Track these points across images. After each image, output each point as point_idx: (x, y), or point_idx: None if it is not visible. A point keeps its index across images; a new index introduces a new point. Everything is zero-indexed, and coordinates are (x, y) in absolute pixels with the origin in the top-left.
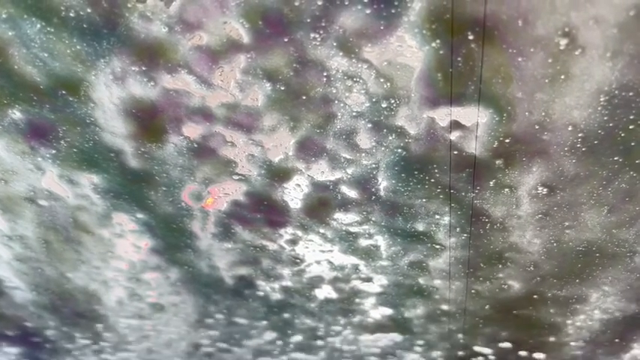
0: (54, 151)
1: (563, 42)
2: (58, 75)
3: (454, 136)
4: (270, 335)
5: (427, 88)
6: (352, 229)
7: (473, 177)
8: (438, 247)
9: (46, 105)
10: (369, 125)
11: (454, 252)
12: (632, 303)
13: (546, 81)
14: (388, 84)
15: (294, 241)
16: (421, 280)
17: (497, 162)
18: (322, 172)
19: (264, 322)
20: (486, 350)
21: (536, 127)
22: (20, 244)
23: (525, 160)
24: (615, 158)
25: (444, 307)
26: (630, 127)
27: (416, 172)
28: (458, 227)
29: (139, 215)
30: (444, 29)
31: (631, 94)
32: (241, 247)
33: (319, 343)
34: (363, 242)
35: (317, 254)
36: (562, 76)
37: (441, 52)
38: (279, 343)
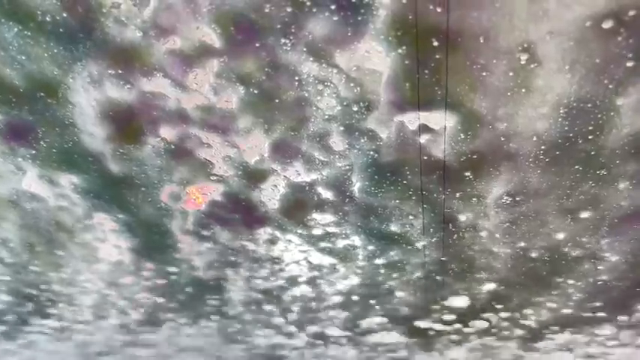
0: (34, 152)
1: (524, 57)
2: (36, 77)
3: (424, 139)
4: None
5: (395, 92)
6: (329, 229)
7: (443, 179)
8: (411, 247)
9: (25, 107)
10: (342, 128)
11: (427, 254)
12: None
13: (509, 94)
14: (358, 88)
15: (272, 241)
16: (396, 278)
17: (465, 173)
18: (298, 173)
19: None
20: None
21: (502, 138)
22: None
23: (492, 167)
24: (577, 167)
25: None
26: (589, 137)
27: (388, 174)
28: (430, 228)
29: (119, 215)
30: (408, 36)
31: (589, 105)
32: (219, 247)
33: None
34: (340, 242)
35: (294, 254)
36: (523, 89)
37: (407, 59)
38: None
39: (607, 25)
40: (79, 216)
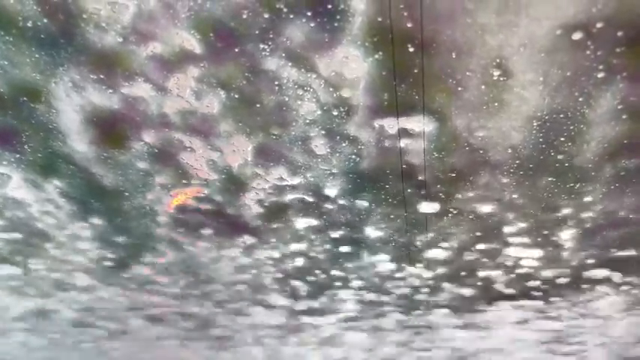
0: (18, 156)
1: (497, 70)
2: (19, 82)
3: (403, 143)
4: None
5: (374, 97)
6: (312, 233)
7: (425, 182)
8: (392, 245)
9: (8, 111)
10: (323, 132)
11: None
12: None
13: (484, 107)
14: (337, 93)
15: (255, 245)
16: (377, 279)
17: (442, 181)
18: (281, 177)
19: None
20: None
21: (481, 151)
22: None
23: (468, 176)
24: (550, 179)
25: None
26: (562, 148)
27: (369, 178)
28: (412, 230)
29: (102, 218)
30: (384, 44)
31: (561, 116)
32: (202, 251)
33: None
34: (322, 246)
35: (277, 257)
36: (496, 103)
37: (384, 64)
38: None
39: (576, 37)
40: (62, 219)
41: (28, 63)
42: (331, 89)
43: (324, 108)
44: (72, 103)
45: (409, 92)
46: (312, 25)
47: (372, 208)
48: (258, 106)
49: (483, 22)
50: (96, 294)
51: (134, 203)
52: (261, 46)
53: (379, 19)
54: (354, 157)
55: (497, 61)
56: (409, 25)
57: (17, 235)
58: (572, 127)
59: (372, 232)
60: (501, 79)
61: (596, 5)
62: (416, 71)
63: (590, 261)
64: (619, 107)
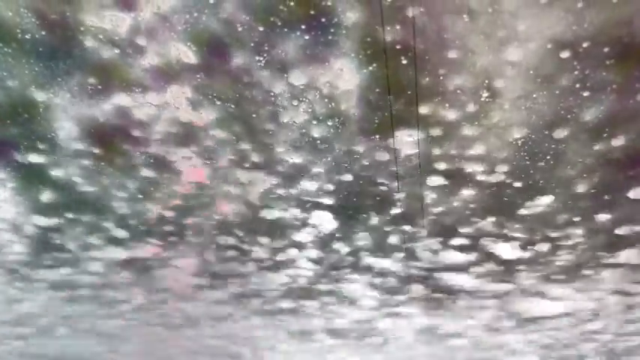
0: (15, 165)
1: (486, 89)
2: (17, 94)
3: (398, 153)
4: None
5: (368, 108)
6: (306, 240)
7: (420, 190)
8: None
9: (6, 122)
10: (318, 142)
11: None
12: None
13: (474, 122)
14: (332, 104)
15: (249, 251)
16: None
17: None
18: (276, 185)
19: None
20: None
21: (467, 164)
22: None
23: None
24: (533, 193)
25: None
26: (551, 162)
27: (364, 187)
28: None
29: (100, 226)
30: (378, 58)
31: (546, 132)
32: (199, 258)
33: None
34: (316, 254)
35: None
36: (485, 120)
37: (378, 77)
38: None
39: (564, 55)
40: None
41: (27, 75)
42: (326, 100)
43: (319, 118)
44: (69, 114)
45: (402, 99)
46: (306, 37)
47: (367, 217)
48: (254, 116)
49: (473, 45)
50: None
51: (129, 210)
52: (257, 57)
53: (372, 31)
54: (348, 165)
55: (487, 81)
56: (400, 45)
57: None
58: (559, 145)
59: (364, 239)
60: (490, 98)
61: (582, 24)
62: (409, 92)
63: None
64: (603, 124)
